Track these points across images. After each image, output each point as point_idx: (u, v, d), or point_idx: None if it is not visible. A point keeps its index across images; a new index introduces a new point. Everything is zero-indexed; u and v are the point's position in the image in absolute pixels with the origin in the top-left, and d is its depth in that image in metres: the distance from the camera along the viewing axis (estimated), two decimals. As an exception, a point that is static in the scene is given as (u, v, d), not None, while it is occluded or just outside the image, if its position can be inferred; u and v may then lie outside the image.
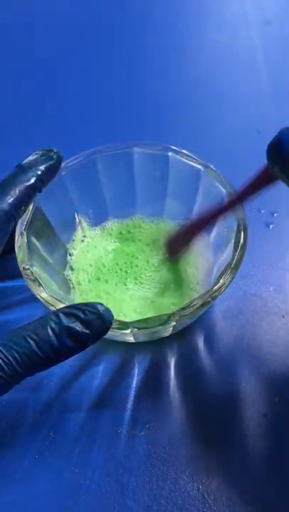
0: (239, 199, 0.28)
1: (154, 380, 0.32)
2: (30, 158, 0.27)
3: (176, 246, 0.34)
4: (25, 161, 0.27)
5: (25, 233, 0.29)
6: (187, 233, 0.32)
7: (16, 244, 0.28)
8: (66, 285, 0.33)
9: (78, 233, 0.36)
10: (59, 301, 0.27)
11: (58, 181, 0.31)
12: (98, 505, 0.27)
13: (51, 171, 0.28)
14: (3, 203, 0.26)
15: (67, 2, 0.62)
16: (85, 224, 0.36)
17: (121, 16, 0.59)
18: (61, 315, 0.23)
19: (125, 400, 0.31)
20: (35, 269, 0.28)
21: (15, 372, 0.21)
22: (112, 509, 0.27)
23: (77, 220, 0.35)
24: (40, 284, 0.27)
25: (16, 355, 0.21)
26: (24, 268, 0.28)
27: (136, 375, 0.32)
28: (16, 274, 0.28)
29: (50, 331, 0.22)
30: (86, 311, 0.23)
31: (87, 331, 0.22)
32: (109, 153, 0.33)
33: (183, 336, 0.33)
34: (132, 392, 0.31)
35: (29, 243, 0.29)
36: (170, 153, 0.33)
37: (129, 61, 0.54)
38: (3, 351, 0.21)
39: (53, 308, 0.26)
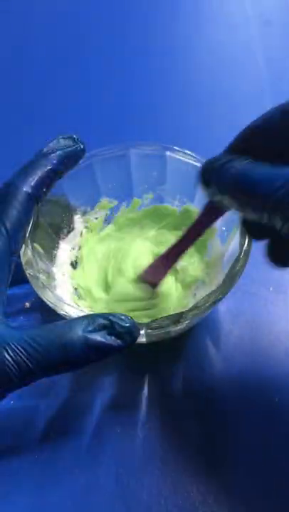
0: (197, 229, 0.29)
1: (156, 380, 0.32)
2: (52, 143, 0.28)
3: (156, 274, 0.33)
4: (46, 147, 0.28)
5: (28, 240, 0.29)
6: (165, 261, 0.32)
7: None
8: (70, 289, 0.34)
9: (78, 236, 0.36)
10: (68, 305, 0.27)
11: (57, 186, 0.31)
12: (98, 505, 0.28)
13: (72, 157, 0.28)
14: (25, 184, 0.26)
15: (68, 3, 0.62)
16: (84, 227, 0.36)
17: (120, 16, 0.59)
18: (90, 322, 0.22)
19: (125, 400, 0.31)
20: (41, 275, 0.28)
21: (29, 372, 0.21)
22: (112, 509, 0.27)
23: (77, 223, 0.35)
24: (47, 289, 0.27)
25: (36, 355, 0.21)
26: (30, 274, 0.28)
27: (138, 375, 0.32)
28: (19, 280, 0.28)
29: (76, 337, 0.22)
30: (116, 324, 0.22)
31: (114, 344, 0.22)
32: (105, 156, 0.33)
33: (185, 337, 0.33)
34: (133, 393, 0.31)
35: (33, 249, 0.29)
36: (167, 153, 0.33)
37: (128, 62, 0.54)
38: (25, 348, 0.21)
39: (62, 312, 0.26)
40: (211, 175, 0.23)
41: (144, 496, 0.28)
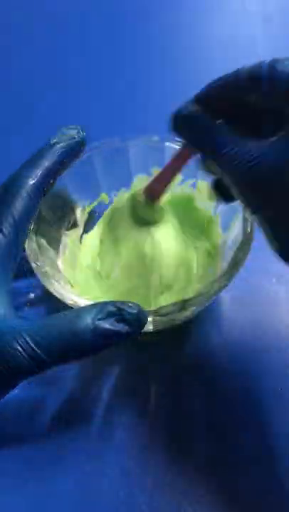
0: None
1: (161, 368, 0.32)
2: (56, 135, 0.28)
3: (157, 189, 0.32)
4: (51, 138, 0.28)
5: (33, 233, 0.29)
6: (164, 177, 0.31)
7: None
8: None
9: (78, 230, 0.36)
10: (76, 295, 0.27)
11: (57, 180, 0.31)
12: (104, 493, 0.28)
13: (77, 148, 0.28)
14: (31, 176, 0.26)
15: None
16: (84, 221, 0.36)
17: (121, 14, 0.60)
18: (99, 310, 0.22)
19: (131, 390, 0.31)
20: (46, 267, 0.29)
21: (40, 361, 0.21)
22: (117, 497, 0.28)
23: (77, 216, 0.36)
24: (53, 280, 0.28)
25: (47, 344, 0.21)
26: (36, 265, 0.28)
27: (143, 364, 0.32)
28: (24, 273, 0.28)
29: (86, 325, 0.22)
30: (124, 311, 0.22)
31: (122, 331, 0.22)
32: (104, 150, 0.33)
33: (189, 327, 0.34)
34: (139, 382, 0.32)
35: (37, 242, 0.29)
36: (167, 144, 0.33)
37: (128, 59, 0.54)
38: (35, 338, 0.21)
39: (69, 302, 0.27)
40: (183, 125, 0.27)
41: (148, 483, 0.28)
